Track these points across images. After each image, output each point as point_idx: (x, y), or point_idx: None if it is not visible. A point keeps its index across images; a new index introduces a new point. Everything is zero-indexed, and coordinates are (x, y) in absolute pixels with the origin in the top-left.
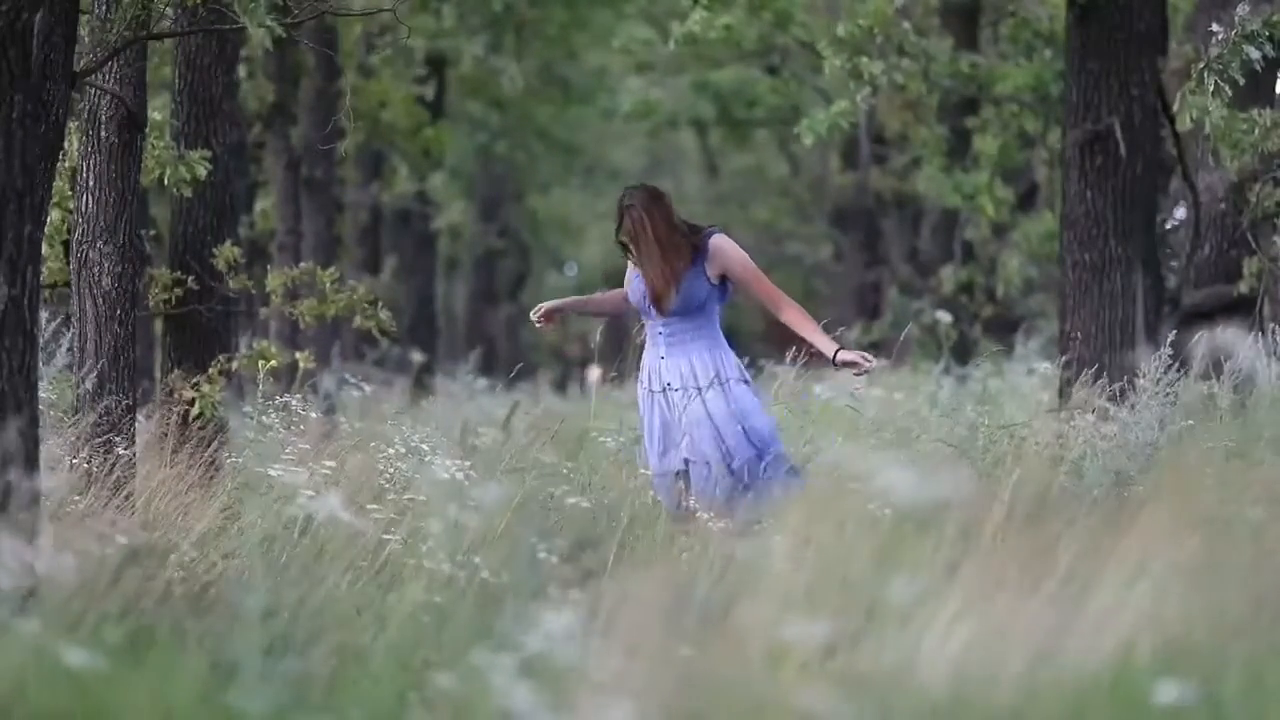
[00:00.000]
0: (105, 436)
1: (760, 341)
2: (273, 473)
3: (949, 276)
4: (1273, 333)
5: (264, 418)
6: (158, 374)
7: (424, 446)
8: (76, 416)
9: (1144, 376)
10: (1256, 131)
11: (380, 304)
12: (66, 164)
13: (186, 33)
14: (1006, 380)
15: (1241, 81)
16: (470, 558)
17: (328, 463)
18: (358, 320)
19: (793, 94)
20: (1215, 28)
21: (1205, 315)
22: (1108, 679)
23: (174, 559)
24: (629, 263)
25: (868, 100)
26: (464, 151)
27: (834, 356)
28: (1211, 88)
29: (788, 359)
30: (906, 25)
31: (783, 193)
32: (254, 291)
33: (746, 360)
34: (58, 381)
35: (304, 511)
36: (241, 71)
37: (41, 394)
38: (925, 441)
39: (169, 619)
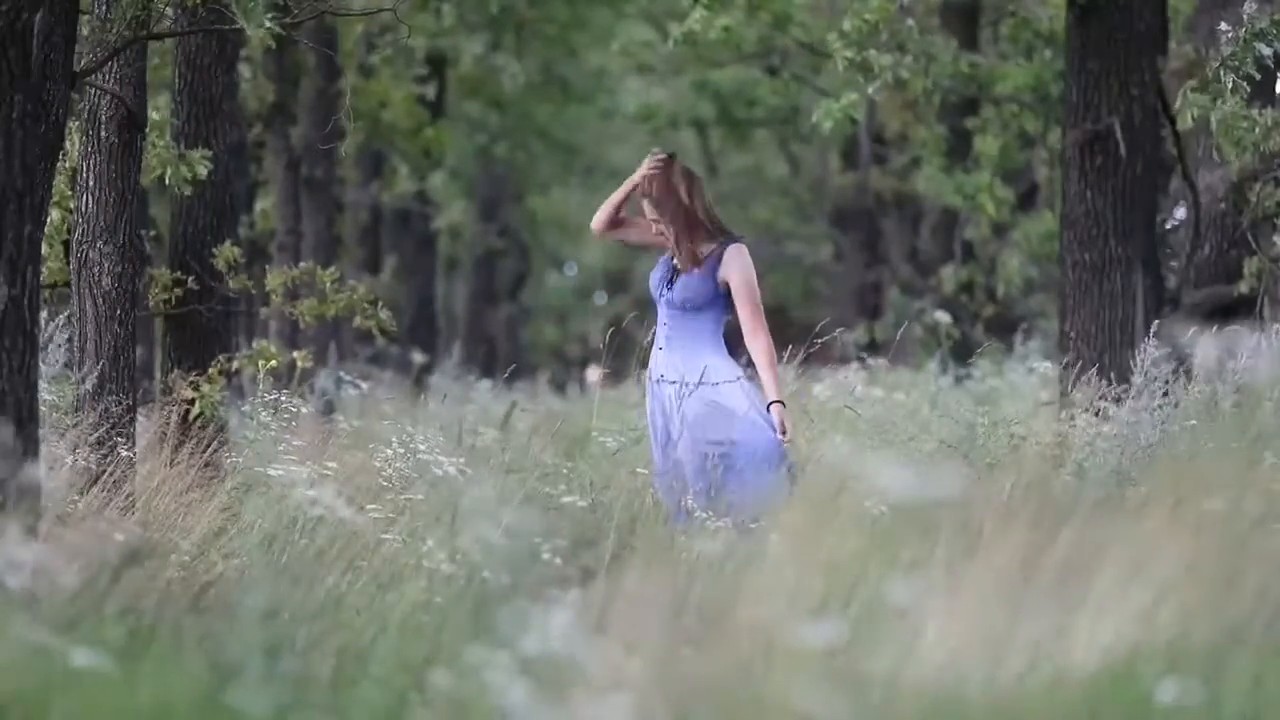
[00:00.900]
0: (105, 436)
1: None
2: (273, 472)
3: (949, 276)
4: (1273, 333)
5: (263, 417)
6: (158, 374)
7: (421, 446)
8: (76, 416)
9: (1144, 376)
10: (1258, 130)
11: (380, 304)
12: (66, 164)
13: (186, 33)
14: (1006, 380)
15: (1258, 77)
16: (470, 557)
17: (330, 464)
18: (358, 320)
19: (793, 94)
20: (1224, 26)
21: (1205, 315)
22: (1107, 679)
23: (174, 559)
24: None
25: (878, 92)
26: (464, 151)
27: (769, 405)
28: (1230, 84)
29: (783, 358)
30: (910, 22)
31: (783, 193)
32: (254, 291)
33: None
34: (58, 381)
35: (304, 511)
36: (242, 71)
37: (41, 394)
38: (925, 441)
39: (169, 619)
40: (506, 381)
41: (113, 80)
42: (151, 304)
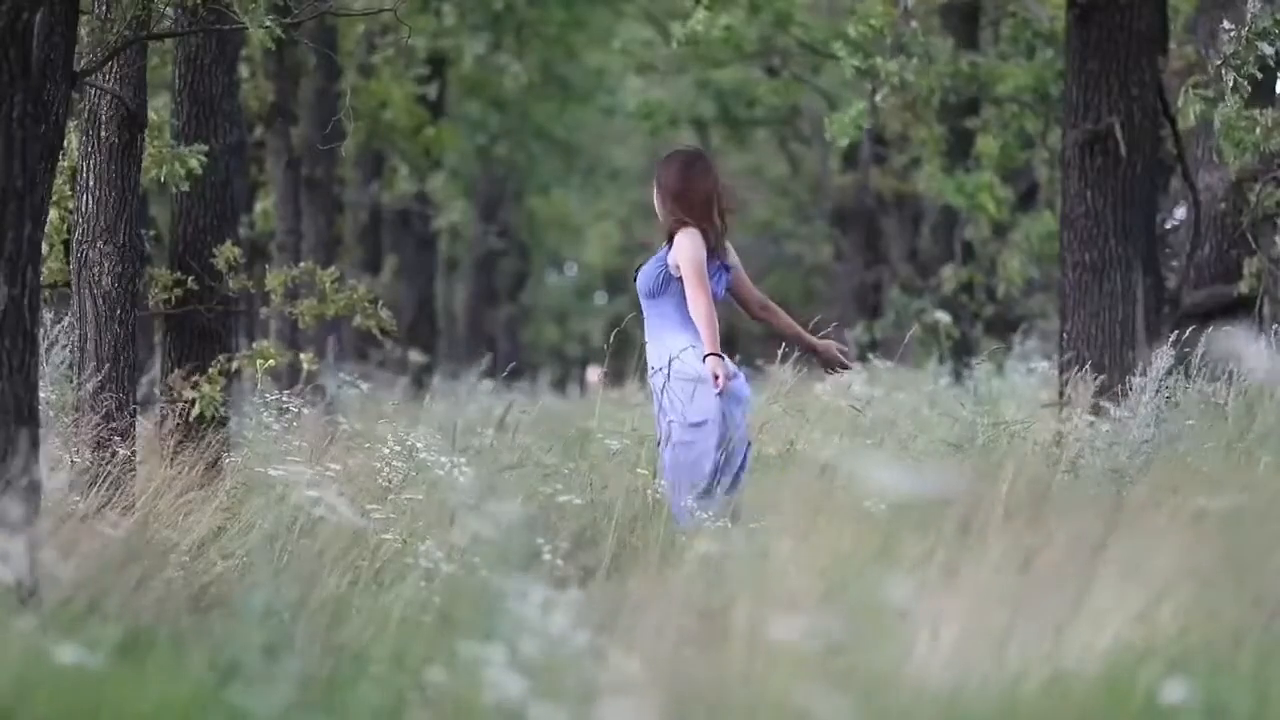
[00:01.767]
0: (105, 436)
1: (757, 343)
2: (273, 473)
3: (949, 276)
4: (1273, 333)
5: (264, 417)
6: (158, 374)
7: (419, 445)
8: (76, 416)
9: (1143, 376)
10: (1258, 131)
11: (380, 303)
12: (66, 164)
13: (186, 33)
14: (1006, 379)
15: (1260, 77)
16: (470, 557)
17: (333, 465)
18: (358, 320)
19: (793, 94)
20: (1226, 24)
21: (1205, 315)
22: (1107, 679)
23: (174, 559)
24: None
25: (886, 99)
26: (464, 151)
27: (704, 358)
28: (1231, 83)
29: (778, 358)
30: (914, 24)
31: (783, 193)
32: (254, 291)
33: (739, 359)
34: (58, 381)
35: (305, 511)
36: (242, 71)
37: (41, 394)
38: (924, 440)
39: (169, 619)
40: (506, 381)
41: (113, 80)
42: (151, 304)
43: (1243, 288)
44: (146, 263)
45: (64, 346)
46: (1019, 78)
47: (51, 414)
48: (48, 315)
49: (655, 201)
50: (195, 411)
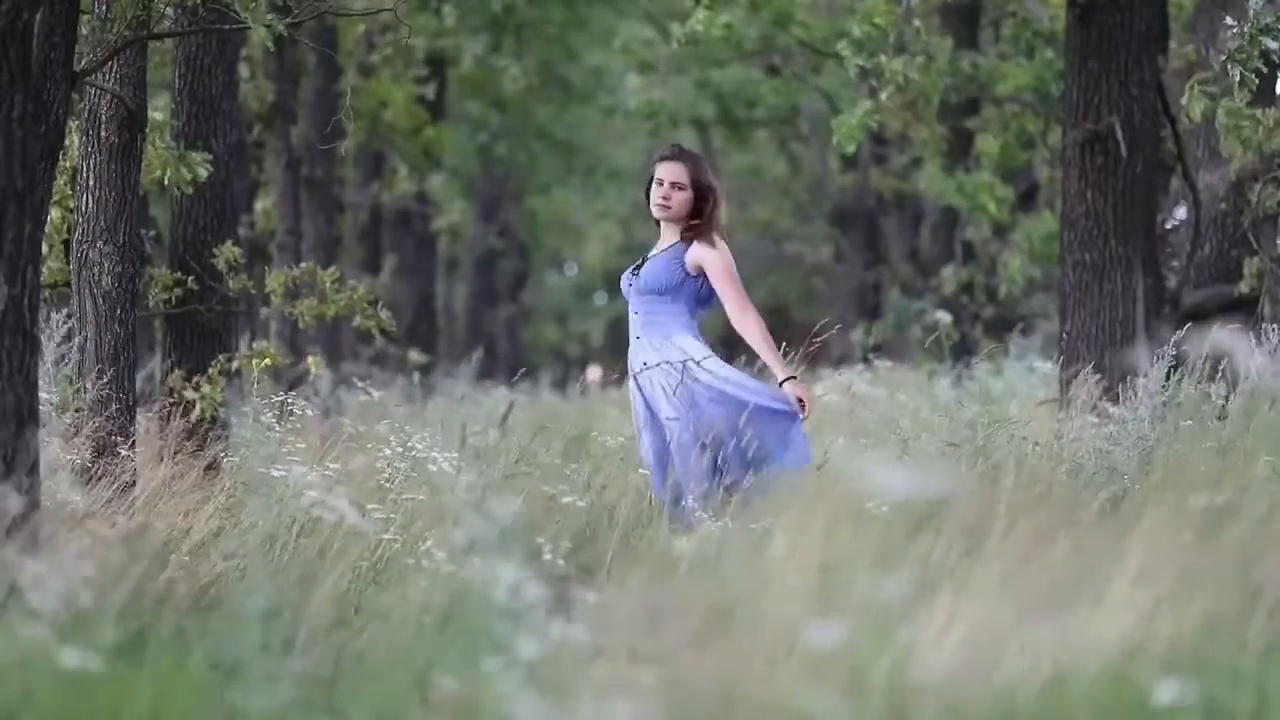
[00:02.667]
0: (105, 436)
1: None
2: (274, 473)
3: (950, 276)
4: (1273, 333)
5: (265, 418)
6: (158, 374)
7: (419, 445)
8: (76, 416)
9: (1144, 376)
10: (1260, 130)
11: (380, 304)
12: (66, 164)
13: (186, 33)
14: (1007, 380)
15: (1265, 71)
16: (470, 558)
17: (333, 465)
18: (358, 320)
19: (793, 94)
20: (1229, 20)
21: (1205, 315)
22: (1108, 679)
23: (174, 559)
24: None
25: (890, 98)
26: (464, 152)
27: (781, 383)
28: (1238, 78)
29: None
30: (917, 23)
31: (783, 193)
32: (254, 291)
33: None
34: (58, 381)
35: (305, 511)
36: (242, 71)
37: (41, 394)
38: (924, 440)
39: (169, 619)
40: (509, 382)
41: (113, 80)
42: (151, 304)
43: (1243, 288)
44: (147, 263)
45: (62, 345)
46: (1019, 78)
47: (52, 414)
48: (53, 315)
49: (681, 199)
50: (196, 412)
